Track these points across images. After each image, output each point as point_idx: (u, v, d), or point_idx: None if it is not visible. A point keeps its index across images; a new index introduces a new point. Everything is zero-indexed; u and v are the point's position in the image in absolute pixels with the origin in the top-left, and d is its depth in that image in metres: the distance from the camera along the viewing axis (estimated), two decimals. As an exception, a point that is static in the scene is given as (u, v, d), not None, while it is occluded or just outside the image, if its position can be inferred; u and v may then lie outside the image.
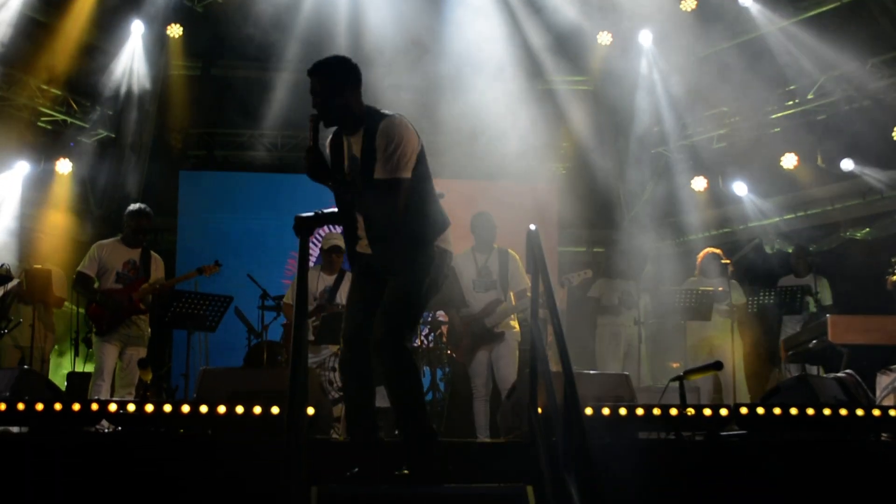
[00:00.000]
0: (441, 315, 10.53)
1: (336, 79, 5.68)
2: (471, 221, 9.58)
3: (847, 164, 13.24)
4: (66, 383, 11.22)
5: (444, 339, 10.72)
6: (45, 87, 13.68)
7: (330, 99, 5.61)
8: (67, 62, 13.48)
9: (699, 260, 11.44)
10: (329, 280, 9.96)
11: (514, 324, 9.35)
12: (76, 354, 11.21)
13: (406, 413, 5.50)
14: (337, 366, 9.52)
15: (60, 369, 12.37)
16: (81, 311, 10.93)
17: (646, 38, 14.65)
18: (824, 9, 13.30)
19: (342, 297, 9.90)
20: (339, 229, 14.24)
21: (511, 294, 9.24)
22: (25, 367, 9.42)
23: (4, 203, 12.98)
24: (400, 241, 5.55)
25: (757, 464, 6.24)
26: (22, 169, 13.13)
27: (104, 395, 8.87)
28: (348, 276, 10.09)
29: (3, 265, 10.42)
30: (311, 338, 9.23)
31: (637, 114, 14.89)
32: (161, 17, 14.22)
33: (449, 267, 5.72)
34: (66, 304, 11.49)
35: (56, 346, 12.06)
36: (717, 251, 11.40)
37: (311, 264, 10.71)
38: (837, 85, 13.45)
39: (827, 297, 11.36)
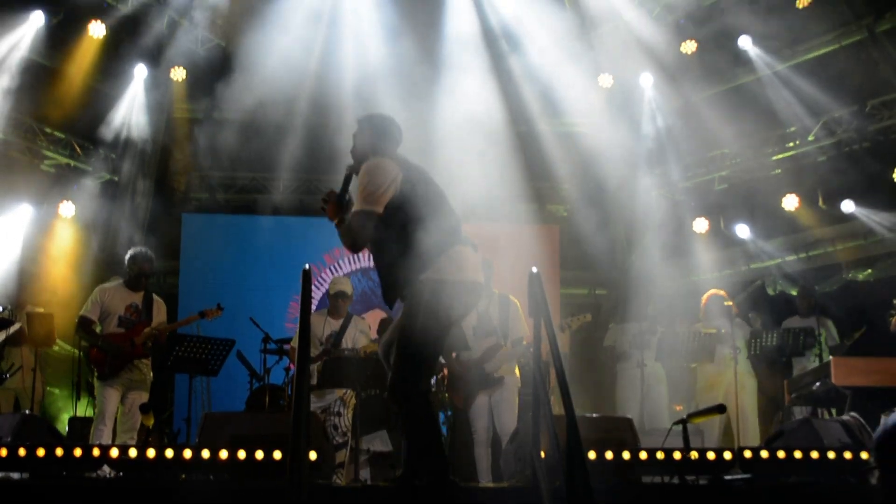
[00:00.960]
0: (443, 359, 10.52)
1: (372, 134, 6.13)
2: None
3: (847, 206, 13.26)
4: (67, 428, 11.18)
5: (447, 383, 10.70)
6: (48, 130, 13.75)
7: (361, 151, 6.06)
8: (71, 106, 13.57)
9: (703, 302, 11.43)
10: (335, 324, 9.96)
11: (515, 369, 9.32)
12: (77, 399, 11.17)
13: (416, 455, 5.59)
14: (341, 410, 9.51)
15: (62, 414, 12.35)
16: (83, 355, 10.91)
17: (646, 80, 14.73)
18: (823, 51, 13.40)
19: (348, 341, 9.91)
20: (342, 271, 14.33)
21: (509, 341, 9.21)
22: (27, 411, 9.40)
23: (6, 246, 13.00)
24: (387, 277, 5.83)
25: (761, 508, 6.21)
26: (25, 212, 13.16)
27: (106, 440, 8.84)
28: (355, 321, 10.12)
29: (4, 308, 10.42)
30: (314, 382, 9.21)
31: (638, 156, 14.94)
32: (164, 60, 14.33)
33: (455, 297, 5.68)
34: (68, 347, 11.47)
35: (56, 391, 12.04)
36: (722, 293, 11.38)
37: (315, 308, 10.78)
38: (837, 127, 13.51)
39: (832, 339, 11.33)
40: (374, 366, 9.31)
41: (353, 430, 8.83)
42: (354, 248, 5.94)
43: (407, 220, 5.71)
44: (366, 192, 5.72)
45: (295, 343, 10.17)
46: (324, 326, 9.89)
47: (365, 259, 14.71)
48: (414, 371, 5.66)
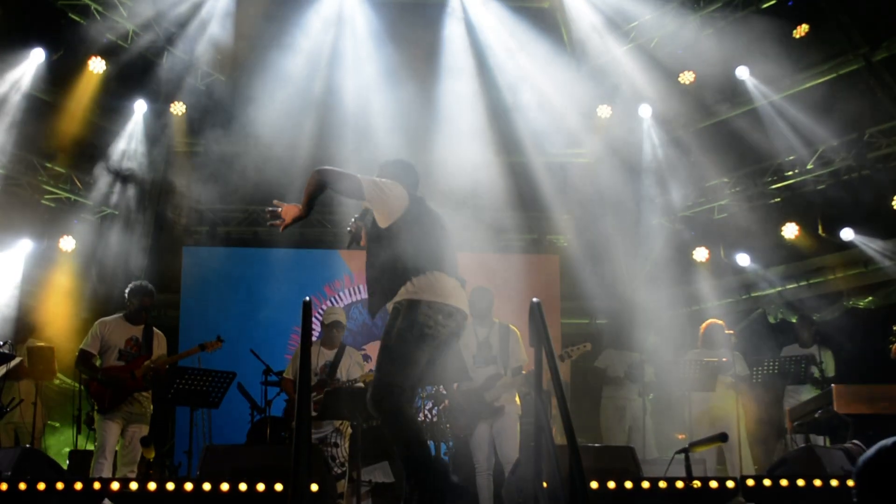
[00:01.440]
0: (444, 388, 10.51)
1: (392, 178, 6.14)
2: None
3: (847, 234, 13.29)
4: (67, 462, 11.15)
5: (446, 414, 10.70)
6: (48, 165, 13.80)
7: None
8: (71, 141, 13.62)
9: (702, 331, 11.42)
10: (329, 355, 9.98)
11: (516, 398, 9.31)
12: (78, 432, 11.15)
13: (409, 473, 5.59)
14: (338, 441, 9.51)
15: (62, 447, 12.32)
16: (83, 388, 10.89)
17: (645, 111, 14.78)
18: (821, 80, 13.45)
19: (343, 372, 9.92)
20: (342, 303, 14.34)
21: (509, 372, 9.21)
22: (27, 446, 9.38)
23: (7, 280, 13.01)
24: (371, 288, 6.03)
25: (764, 536, 6.19)
26: (25, 246, 13.18)
27: (106, 474, 8.82)
28: (349, 352, 10.14)
29: (4, 343, 10.42)
30: (314, 413, 9.20)
31: (638, 185, 14.97)
32: (164, 95, 14.40)
33: (430, 316, 5.75)
34: (68, 381, 11.46)
35: (57, 424, 12.02)
36: (720, 322, 11.38)
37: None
38: (836, 155, 13.55)
39: (830, 369, 11.31)
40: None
41: (353, 461, 8.82)
42: (319, 185, 5.81)
43: (398, 243, 5.86)
44: (369, 180, 5.87)
45: (287, 374, 10.21)
46: (318, 357, 9.91)
47: (366, 292, 14.71)
48: (388, 389, 5.70)
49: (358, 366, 10.13)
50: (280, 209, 6.00)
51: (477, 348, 9.26)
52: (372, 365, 11.20)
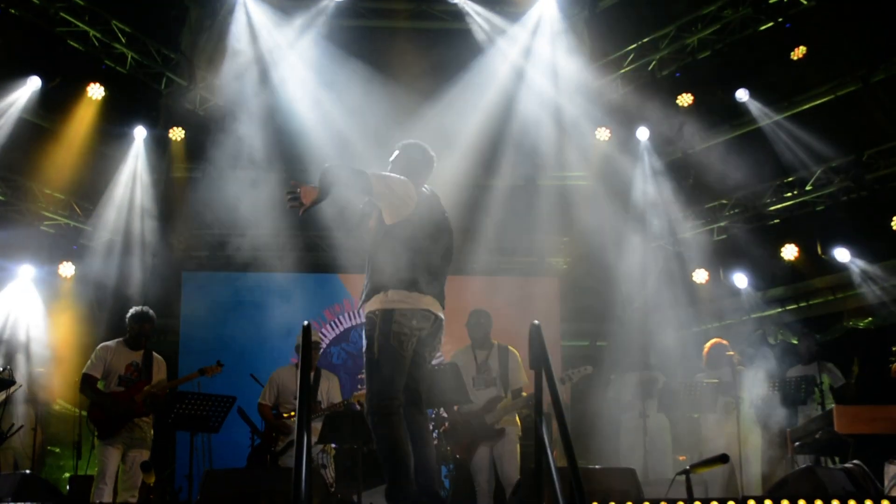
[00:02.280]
0: (443, 412, 10.50)
1: (406, 164, 6.45)
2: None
3: (843, 255, 13.30)
4: (68, 487, 11.13)
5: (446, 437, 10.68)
6: (48, 191, 13.81)
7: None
8: (70, 167, 13.63)
9: (706, 351, 11.41)
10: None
11: (516, 420, 9.31)
12: (78, 458, 11.12)
13: (388, 484, 5.82)
14: (326, 462, 9.55)
15: (62, 473, 12.30)
16: (84, 413, 10.88)
17: (643, 133, 14.81)
18: (819, 101, 13.49)
19: (323, 395, 10.02)
20: (342, 327, 14.32)
21: (510, 393, 9.21)
22: (27, 471, 9.35)
23: (6, 306, 13.01)
24: (366, 286, 6.18)
25: (767, 558, 6.16)
26: (25, 272, 13.18)
27: (107, 499, 8.81)
28: (325, 375, 10.24)
29: (5, 368, 10.42)
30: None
31: (636, 207, 14.99)
32: (163, 120, 14.44)
33: (404, 322, 5.97)
34: (68, 406, 11.44)
35: (57, 450, 11.99)
36: (724, 342, 11.37)
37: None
38: (835, 176, 13.57)
39: (837, 380, 11.29)
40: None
41: (354, 483, 8.82)
42: (329, 185, 5.90)
43: (395, 246, 6.03)
44: (383, 175, 6.04)
45: (264, 399, 10.28)
46: (296, 380, 9.94)
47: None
48: (373, 401, 5.97)
49: (337, 389, 10.24)
50: (299, 190, 6.00)
51: (476, 371, 9.28)
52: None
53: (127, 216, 14.60)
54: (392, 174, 6.15)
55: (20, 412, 10.70)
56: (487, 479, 9.09)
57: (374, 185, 5.93)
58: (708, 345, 11.47)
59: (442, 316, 6.23)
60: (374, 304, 6.06)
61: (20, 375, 10.68)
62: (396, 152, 6.56)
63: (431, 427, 10.58)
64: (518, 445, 9.18)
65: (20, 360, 11.59)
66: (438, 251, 6.25)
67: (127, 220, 14.62)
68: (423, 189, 6.37)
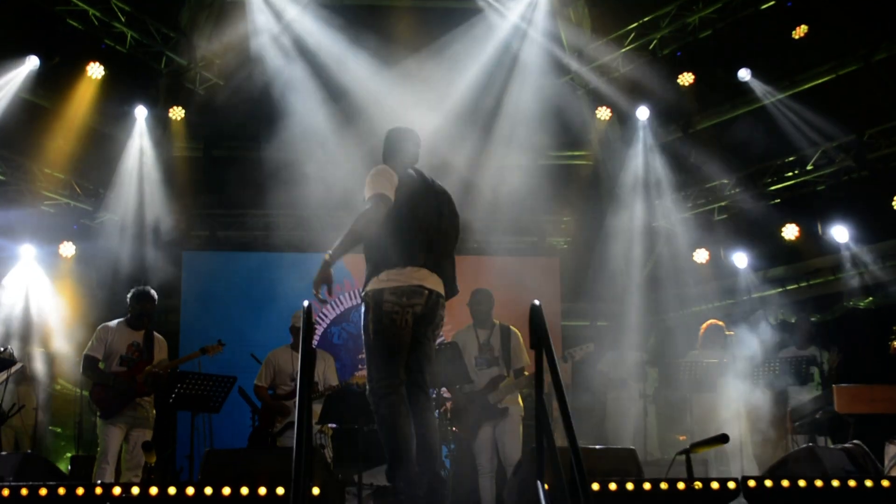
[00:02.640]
0: (445, 392, 10.49)
1: (387, 148, 6.69)
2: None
3: (841, 235, 13.30)
4: (69, 467, 11.15)
5: (450, 416, 10.67)
6: (48, 171, 13.79)
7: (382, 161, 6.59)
8: (70, 146, 13.61)
9: (702, 332, 11.41)
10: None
11: (518, 400, 9.31)
12: (80, 437, 11.14)
13: (389, 463, 5.92)
14: (324, 442, 9.57)
15: (63, 453, 12.32)
16: (86, 393, 10.89)
17: (643, 113, 14.78)
18: (821, 81, 13.46)
19: (319, 376, 10.02)
20: (342, 307, 14.34)
21: (512, 373, 9.21)
22: (28, 451, 9.38)
23: (7, 287, 13.01)
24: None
25: (766, 537, 6.18)
26: (26, 252, 13.18)
27: (108, 479, 8.81)
28: (321, 355, 10.24)
29: (5, 348, 10.42)
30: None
31: (637, 187, 14.97)
32: (163, 99, 14.41)
33: (394, 300, 6.04)
34: (69, 387, 11.45)
35: (59, 430, 12.01)
36: (720, 323, 11.37)
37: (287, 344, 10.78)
38: (836, 156, 13.55)
39: (835, 359, 11.31)
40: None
41: (338, 462, 8.84)
42: (367, 230, 6.04)
43: (386, 228, 6.09)
44: (372, 187, 6.11)
45: (260, 381, 10.29)
46: (292, 362, 9.96)
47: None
48: (372, 382, 6.09)
49: (333, 370, 10.24)
50: (325, 292, 6.07)
51: (479, 350, 9.28)
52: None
53: (127, 196, 14.60)
54: (375, 177, 6.19)
55: (21, 392, 10.71)
56: (489, 459, 9.09)
57: (388, 193, 6.08)
58: (704, 326, 11.47)
59: (439, 291, 6.23)
60: (369, 286, 6.16)
61: (21, 356, 10.68)
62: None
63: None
64: (520, 425, 9.18)
65: (21, 340, 11.58)
66: (430, 226, 6.26)
67: (127, 200, 14.61)
68: (409, 171, 6.42)
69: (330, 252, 6.04)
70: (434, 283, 6.20)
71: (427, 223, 6.24)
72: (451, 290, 6.39)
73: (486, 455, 9.09)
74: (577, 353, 9.96)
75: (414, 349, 6.18)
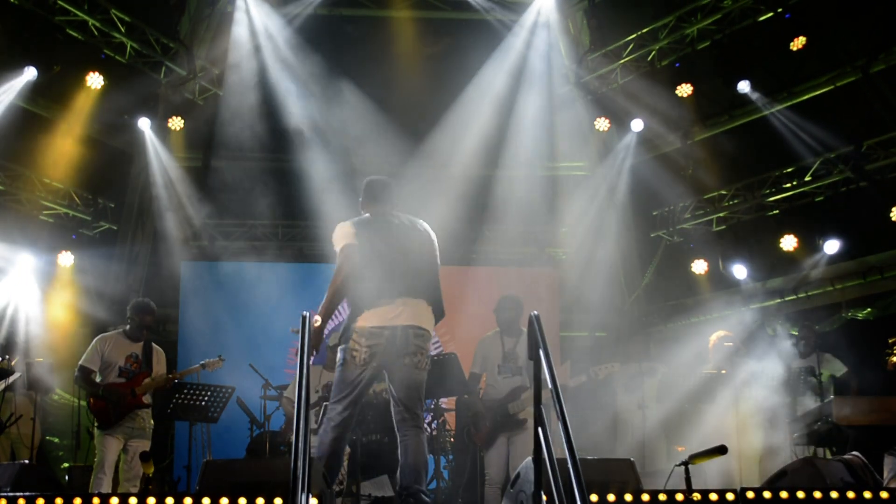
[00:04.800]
0: (444, 402, 10.46)
1: (361, 197, 7.31)
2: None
3: (831, 247, 13.32)
4: (67, 477, 11.13)
5: (448, 427, 10.64)
6: (46, 180, 13.78)
7: None
8: (69, 156, 13.62)
9: (711, 343, 11.40)
10: (330, 377, 9.99)
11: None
12: (77, 448, 11.12)
13: None
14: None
15: (60, 463, 12.30)
16: (83, 404, 10.87)
17: (638, 125, 14.75)
18: (819, 92, 13.48)
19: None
20: (340, 318, 14.34)
21: None
22: (26, 461, 9.35)
23: (5, 296, 13.00)
24: None
25: (765, 549, 6.16)
26: (24, 262, 13.16)
27: (106, 489, 8.80)
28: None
29: (4, 358, 10.40)
30: (314, 426, 9.20)
31: (636, 198, 14.98)
32: (162, 110, 14.42)
33: (356, 342, 6.68)
34: (67, 396, 11.43)
35: (56, 440, 11.98)
36: (728, 333, 11.37)
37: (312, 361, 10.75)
38: (834, 167, 13.56)
39: (838, 370, 11.31)
40: (375, 411, 9.29)
41: (353, 475, 8.81)
42: (345, 284, 6.71)
43: (346, 282, 6.75)
44: (336, 243, 6.88)
45: (288, 393, 10.26)
46: (319, 378, 9.94)
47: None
48: (330, 410, 6.78)
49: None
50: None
51: (503, 359, 9.14)
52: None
53: (126, 205, 14.60)
54: (336, 234, 6.91)
55: (19, 402, 10.68)
56: (499, 470, 8.99)
57: (348, 243, 6.80)
58: (713, 337, 11.45)
59: (413, 323, 6.72)
60: (344, 326, 6.88)
61: (19, 365, 10.66)
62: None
63: (430, 418, 10.60)
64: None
65: (19, 349, 11.56)
66: (395, 265, 6.78)
67: (126, 210, 14.62)
68: (379, 217, 7.05)
69: (318, 315, 6.71)
70: (407, 317, 6.72)
71: (392, 263, 6.76)
72: (438, 315, 7.00)
73: (496, 466, 8.99)
74: (602, 371, 9.60)
75: (392, 379, 6.82)
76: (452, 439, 10.21)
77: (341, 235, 6.84)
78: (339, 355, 6.80)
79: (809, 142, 13.40)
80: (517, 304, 9.32)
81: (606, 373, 9.65)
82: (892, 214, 12.75)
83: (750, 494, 6.54)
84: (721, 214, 14.97)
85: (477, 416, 9.26)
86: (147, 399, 9.36)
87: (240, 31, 14.20)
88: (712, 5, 13.73)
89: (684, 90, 14.30)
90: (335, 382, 6.83)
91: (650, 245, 15.45)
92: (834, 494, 6.44)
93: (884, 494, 6.50)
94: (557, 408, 5.31)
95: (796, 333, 12.21)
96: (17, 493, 6.24)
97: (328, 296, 6.68)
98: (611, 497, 6.37)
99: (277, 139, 14.17)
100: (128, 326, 9.54)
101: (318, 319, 6.66)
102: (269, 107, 14.02)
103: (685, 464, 6.80)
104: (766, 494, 6.47)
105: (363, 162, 15.46)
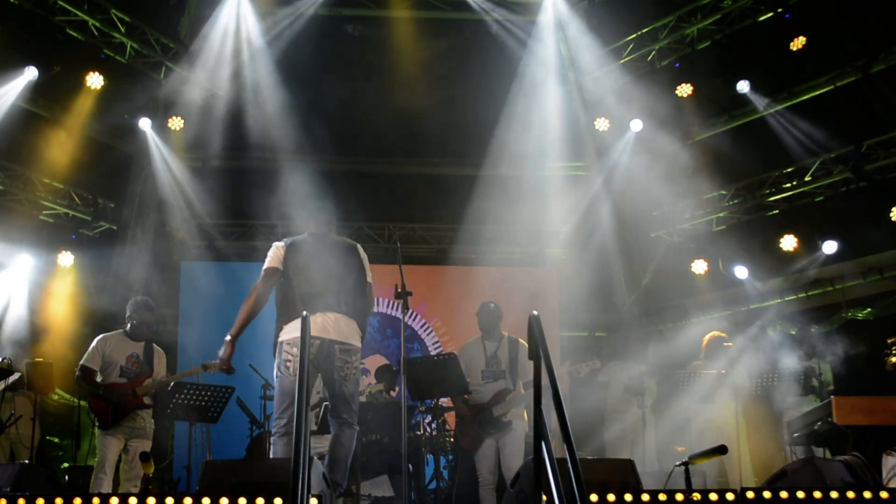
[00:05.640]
0: (444, 402, 10.47)
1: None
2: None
3: (829, 247, 13.32)
4: (67, 477, 11.12)
5: (448, 427, 10.66)
6: (46, 180, 13.78)
7: None
8: (69, 156, 13.61)
9: (704, 343, 11.40)
10: None
11: (524, 415, 9.29)
12: (77, 448, 11.12)
13: None
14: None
15: (60, 463, 12.29)
16: (84, 403, 10.87)
17: (637, 125, 14.73)
18: (819, 92, 13.49)
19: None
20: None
21: (520, 384, 9.19)
22: (25, 461, 9.35)
23: (5, 296, 12.99)
24: None
25: (765, 549, 6.16)
26: (24, 262, 13.15)
27: (106, 489, 8.80)
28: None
29: (4, 359, 10.40)
30: (315, 427, 9.20)
31: (635, 197, 14.96)
32: (162, 110, 14.41)
33: (289, 353, 7.10)
34: (67, 396, 11.42)
35: (56, 440, 11.98)
36: (723, 335, 11.36)
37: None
38: (834, 167, 13.56)
39: (830, 381, 11.33)
40: (375, 411, 9.29)
41: (352, 475, 8.81)
42: (257, 302, 7.37)
43: (277, 295, 7.39)
44: (265, 264, 7.46)
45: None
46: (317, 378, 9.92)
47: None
48: (273, 420, 7.17)
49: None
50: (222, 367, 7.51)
51: (486, 363, 9.26)
52: (371, 379, 11.25)
53: (126, 205, 14.60)
54: (268, 255, 7.50)
55: (18, 402, 10.68)
56: (491, 471, 9.06)
57: (267, 267, 7.40)
58: (707, 337, 11.45)
59: (334, 338, 7.11)
60: (276, 339, 7.31)
61: (19, 365, 10.66)
62: None
63: (430, 418, 10.62)
64: (524, 440, 9.14)
65: (19, 349, 11.56)
66: (321, 280, 7.22)
67: (126, 210, 14.62)
68: (310, 236, 7.60)
69: (231, 332, 7.32)
70: (332, 332, 7.13)
71: (319, 279, 7.22)
72: (362, 330, 7.40)
73: (487, 467, 9.06)
74: (583, 369, 9.84)
75: (325, 385, 7.33)
76: (452, 439, 10.21)
77: (271, 257, 7.41)
78: (274, 371, 7.20)
79: (809, 142, 13.40)
80: (497, 310, 9.55)
81: (588, 370, 9.80)
82: (892, 214, 12.75)
83: (750, 494, 6.54)
84: (721, 214, 14.97)
85: (463, 420, 9.33)
86: (148, 399, 9.35)
87: (238, 30, 14.21)
88: (712, 5, 13.75)
89: (684, 90, 14.30)
90: (276, 396, 7.20)
91: (650, 245, 15.44)
92: (834, 494, 6.44)
93: (884, 494, 6.50)
94: (556, 408, 5.31)
95: (796, 333, 12.22)
96: (17, 493, 6.24)
97: (241, 313, 7.34)
98: (611, 497, 6.37)
99: (277, 139, 14.16)
100: (128, 326, 9.53)
101: (229, 336, 7.34)
102: (270, 107, 14.01)
103: (685, 464, 6.80)
104: (766, 494, 6.48)
105: (363, 161, 15.51)
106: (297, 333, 6.98)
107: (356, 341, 7.27)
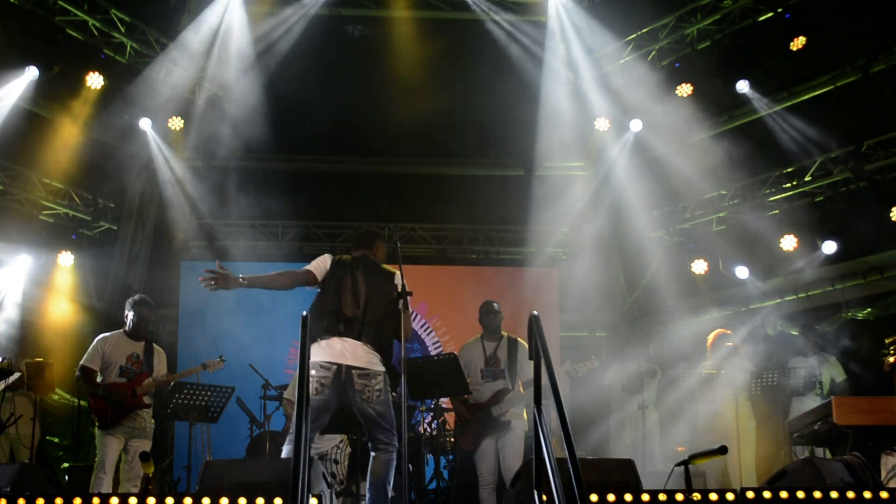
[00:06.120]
0: (444, 402, 10.48)
1: None
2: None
3: (829, 248, 13.32)
4: (67, 477, 11.12)
5: (448, 427, 10.66)
6: (46, 180, 13.78)
7: None
8: (69, 156, 13.61)
9: (710, 342, 11.40)
10: None
11: (523, 414, 9.29)
12: (77, 448, 11.12)
13: None
14: (339, 458, 9.49)
15: (59, 463, 12.30)
16: (83, 403, 10.87)
17: (637, 125, 14.73)
18: (819, 92, 13.49)
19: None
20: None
21: (519, 383, 9.19)
22: (26, 461, 9.35)
23: (6, 296, 12.99)
24: None
25: (765, 549, 6.16)
26: (24, 262, 13.15)
27: (106, 489, 8.80)
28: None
29: (4, 359, 10.40)
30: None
31: (635, 197, 14.96)
32: (162, 110, 14.41)
33: (314, 373, 7.13)
34: (67, 397, 11.42)
35: (56, 440, 11.98)
36: (727, 331, 11.38)
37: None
38: (834, 167, 13.56)
39: (838, 375, 11.34)
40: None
41: (352, 475, 8.82)
42: (279, 280, 7.61)
43: (313, 306, 7.37)
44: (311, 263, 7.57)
45: (288, 394, 10.24)
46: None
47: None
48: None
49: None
50: (219, 274, 7.54)
51: (485, 363, 9.27)
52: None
53: (126, 205, 14.60)
54: (316, 259, 7.60)
55: (18, 402, 10.68)
56: (491, 471, 9.06)
57: (304, 272, 7.48)
58: (711, 335, 11.46)
59: (354, 364, 7.17)
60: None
61: (19, 365, 10.66)
62: None
63: (430, 418, 10.62)
64: (523, 440, 9.14)
65: (19, 349, 11.56)
66: (350, 303, 7.33)
67: (126, 210, 14.61)
68: (347, 257, 7.65)
69: (247, 277, 7.51)
70: (350, 357, 7.19)
71: (347, 303, 7.33)
72: (385, 357, 7.39)
73: (487, 467, 9.06)
74: (581, 369, 9.82)
75: (361, 418, 7.28)
76: (452, 439, 10.22)
77: (315, 264, 7.52)
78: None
79: (809, 142, 13.41)
80: (496, 309, 9.55)
81: (586, 369, 9.79)
82: (892, 214, 12.74)
83: (750, 494, 6.54)
84: (721, 214, 14.96)
85: (462, 420, 9.33)
86: (148, 399, 9.35)
87: (239, 30, 14.21)
88: (712, 5, 13.75)
89: (684, 90, 14.30)
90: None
91: (650, 245, 15.43)
92: (834, 494, 6.44)
93: (884, 494, 6.50)
94: (557, 408, 5.31)
95: (796, 333, 12.22)
96: (17, 493, 6.24)
97: (267, 277, 7.66)
98: (611, 497, 6.37)
99: (277, 139, 14.17)
100: (128, 325, 9.52)
101: (243, 278, 7.50)
102: (270, 107, 14.01)
103: (685, 464, 6.80)
104: (766, 494, 6.47)
105: (363, 161, 15.51)
106: (319, 357, 7.16)
107: (376, 366, 7.29)
